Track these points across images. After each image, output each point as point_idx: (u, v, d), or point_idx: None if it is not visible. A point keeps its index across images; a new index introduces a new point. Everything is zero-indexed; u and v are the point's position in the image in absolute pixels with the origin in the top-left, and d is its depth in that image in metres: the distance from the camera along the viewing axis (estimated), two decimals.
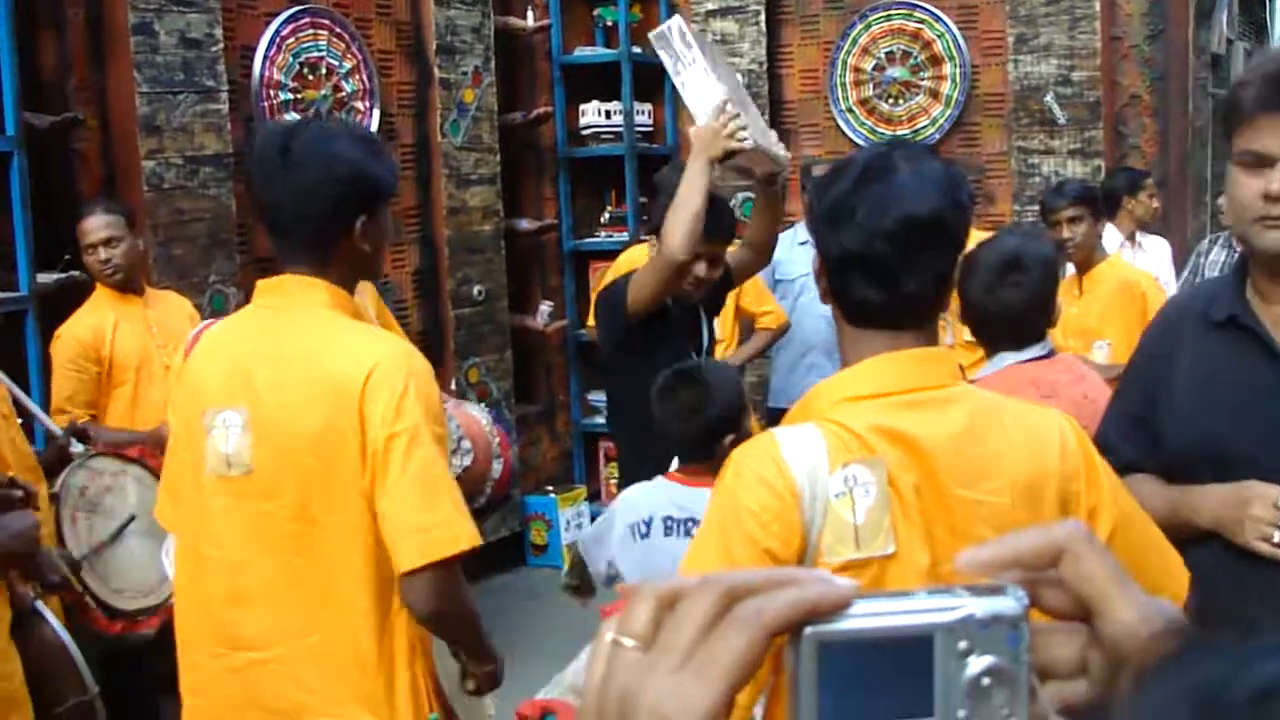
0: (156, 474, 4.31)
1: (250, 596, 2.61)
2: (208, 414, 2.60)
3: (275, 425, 2.54)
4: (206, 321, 2.91)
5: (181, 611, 2.76)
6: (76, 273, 5.33)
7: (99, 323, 4.96)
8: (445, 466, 2.53)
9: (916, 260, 1.98)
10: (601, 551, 3.56)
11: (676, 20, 3.98)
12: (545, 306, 8.00)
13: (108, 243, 5.00)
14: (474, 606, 2.64)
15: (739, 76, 4.17)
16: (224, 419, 2.58)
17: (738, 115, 3.83)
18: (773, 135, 4.20)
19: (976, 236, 6.21)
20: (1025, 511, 1.96)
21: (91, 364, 4.91)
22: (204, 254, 5.93)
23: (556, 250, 8.33)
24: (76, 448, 4.27)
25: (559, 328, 8.04)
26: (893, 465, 1.96)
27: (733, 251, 4.50)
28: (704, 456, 3.43)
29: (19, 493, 3.07)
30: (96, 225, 5.01)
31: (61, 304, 5.24)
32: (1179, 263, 6.53)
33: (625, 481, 3.99)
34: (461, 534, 2.50)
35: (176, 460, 2.73)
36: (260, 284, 2.75)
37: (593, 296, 7.99)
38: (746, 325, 6.58)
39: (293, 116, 6.45)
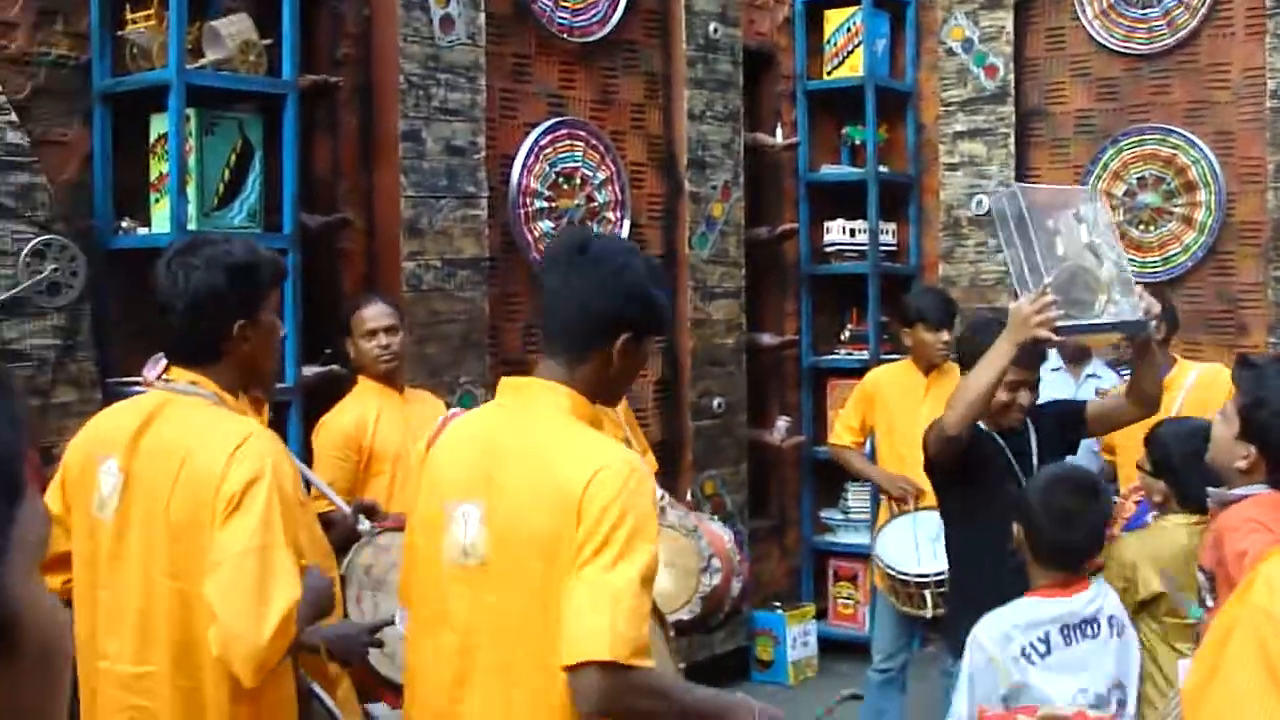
0: None
1: (475, 683, 2.68)
2: (448, 504, 2.71)
3: (508, 522, 2.64)
4: (452, 412, 3.00)
5: (410, 691, 2.85)
6: (336, 366, 5.53)
7: (362, 413, 5.11)
8: (638, 578, 2.51)
9: None
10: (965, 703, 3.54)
11: (1017, 195, 3.97)
12: (782, 422, 8.01)
13: (389, 330, 5.18)
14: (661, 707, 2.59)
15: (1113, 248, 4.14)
16: (464, 511, 2.68)
17: (1054, 303, 3.84)
18: (1132, 298, 4.15)
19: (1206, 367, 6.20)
20: None
21: (353, 453, 5.05)
22: (456, 354, 6.10)
23: (795, 366, 8.35)
24: (363, 525, 4.37)
25: (795, 444, 8.03)
26: None
27: (1117, 403, 4.59)
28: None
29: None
30: (378, 313, 5.19)
31: (321, 396, 5.43)
32: None
33: (967, 614, 3.85)
34: (624, 645, 2.45)
35: (416, 545, 2.83)
36: (504, 382, 2.86)
37: (830, 414, 8.02)
38: None
39: (547, 225, 6.63)
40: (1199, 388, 6.12)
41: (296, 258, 5.41)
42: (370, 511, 4.45)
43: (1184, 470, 4.10)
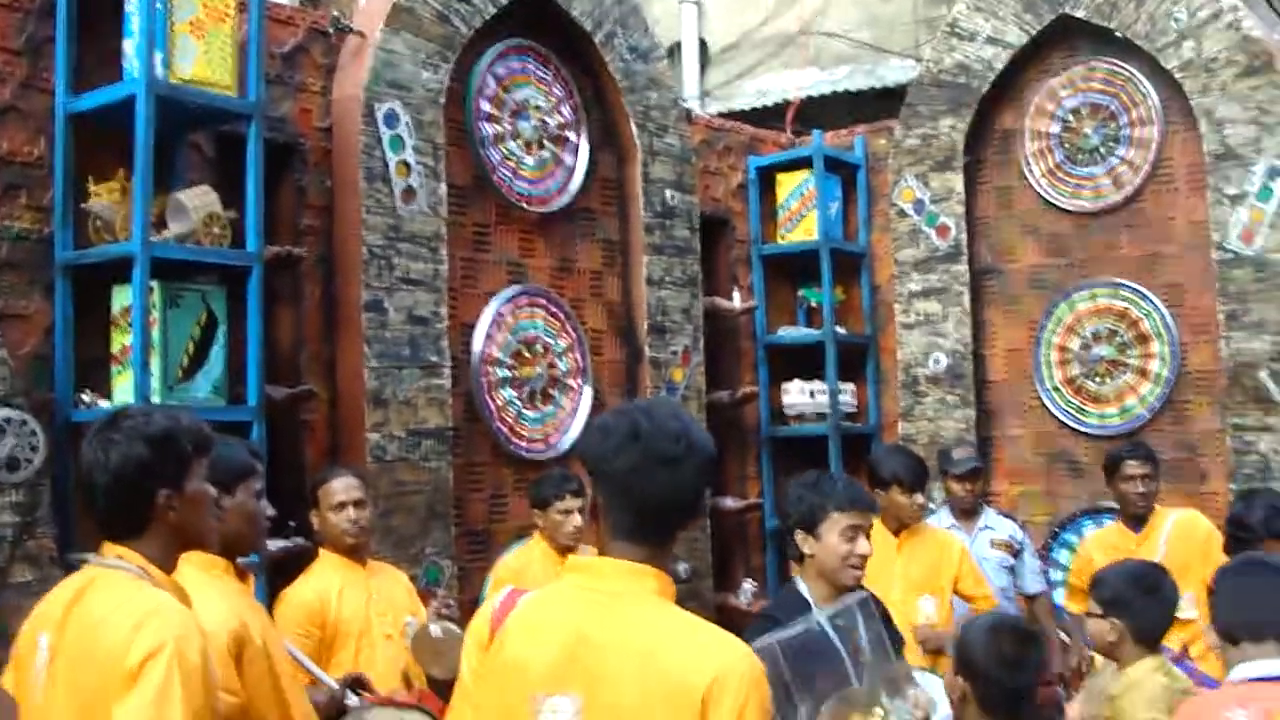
0: (435, 717, 4.29)
1: None
2: (536, 698, 2.57)
3: (611, 717, 2.51)
4: (509, 590, 2.88)
5: None
6: (302, 540, 5.45)
7: (325, 587, 5.00)
8: None
9: None
10: None
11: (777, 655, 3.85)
12: (748, 585, 7.95)
13: (358, 504, 5.11)
14: None
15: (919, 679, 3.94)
16: (553, 705, 2.56)
17: None
18: (902, 700, 4.06)
19: (1182, 513, 6.25)
20: None
21: (316, 628, 4.93)
22: (422, 525, 6.04)
23: (759, 529, 8.31)
24: (350, 699, 4.26)
25: (762, 606, 7.94)
26: None
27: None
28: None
29: None
30: (347, 486, 5.12)
31: (285, 570, 5.34)
32: None
33: None
34: None
35: None
36: (576, 562, 2.77)
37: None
38: None
39: (509, 393, 6.62)
40: (1177, 533, 6.18)
41: (261, 430, 5.36)
42: (358, 684, 4.36)
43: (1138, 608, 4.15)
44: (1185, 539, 6.18)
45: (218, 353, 5.32)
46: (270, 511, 3.81)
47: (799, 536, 4.15)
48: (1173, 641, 5.45)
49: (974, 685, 3.64)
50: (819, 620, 3.78)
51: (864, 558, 4.09)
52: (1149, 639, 4.09)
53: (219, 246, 5.32)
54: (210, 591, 3.46)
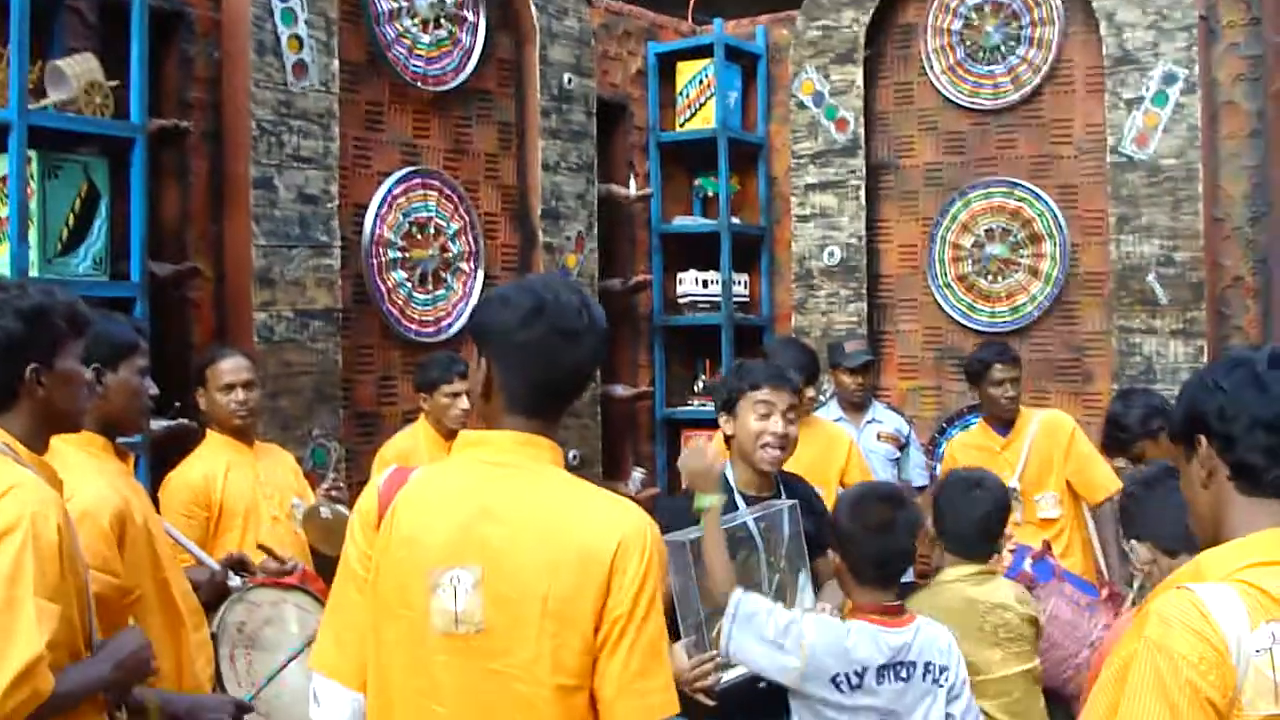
0: (318, 598, 4.25)
1: None
2: (434, 571, 2.56)
3: (512, 587, 2.52)
4: (396, 468, 2.83)
5: None
6: (186, 420, 5.36)
7: (211, 469, 4.95)
8: (666, 637, 2.59)
9: None
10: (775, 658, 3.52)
11: (685, 549, 3.73)
12: (637, 473, 7.97)
13: (247, 385, 5.04)
14: None
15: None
16: (452, 577, 2.55)
17: (716, 668, 3.64)
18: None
19: (1047, 413, 6.32)
20: None
21: (201, 510, 4.88)
22: (309, 407, 5.97)
23: (650, 418, 8.32)
24: (234, 581, 4.21)
25: (650, 494, 7.98)
26: None
27: None
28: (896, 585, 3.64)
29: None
30: (236, 366, 5.05)
31: (170, 450, 5.26)
32: None
33: None
34: (672, 700, 2.56)
35: (392, 615, 2.64)
36: (468, 436, 2.72)
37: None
38: None
39: (400, 275, 6.53)
40: (1042, 433, 6.25)
41: (145, 307, 5.25)
42: (240, 566, 4.31)
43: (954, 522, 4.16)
44: (1049, 438, 6.27)
45: (100, 226, 5.19)
46: (153, 390, 3.73)
47: (722, 419, 4.26)
48: (1035, 540, 5.56)
49: (845, 556, 3.66)
50: (746, 520, 3.87)
51: (779, 436, 4.12)
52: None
53: (101, 117, 5.16)
54: (90, 470, 3.39)
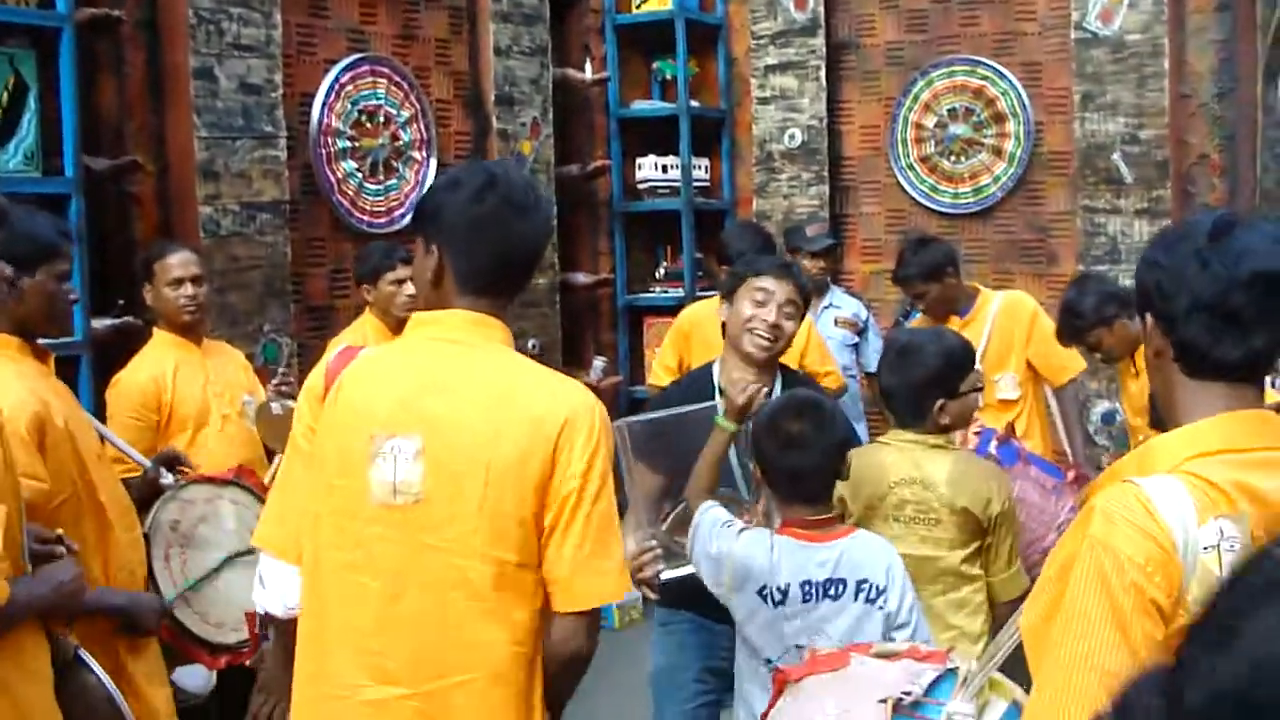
0: (255, 492, 4.18)
1: (403, 629, 2.54)
2: (375, 438, 2.55)
3: (454, 456, 2.52)
4: (345, 346, 2.79)
5: (314, 642, 2.63)
6: (131, 318, 5.25)
7: (159, 370, 4.82)
8: (618, 518, 2.62)
9: (1269, 315, 2.01)
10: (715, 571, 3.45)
11: (623, 432, 3.67)
12: (598, 362, 7.90)
13: (195, 280, 4.89)
14: None
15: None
16: (393, 446, 2.54)
17: (656, 557, 3.61)
18: None
19: (1008, 294, 6.20)
20: None
21: (151, 412, 4.77)
22: (259, 302, 5.85)
23: (610, 305, 8.23)
24: (166, 479, 4.13)
25: (612, 383, 7.92)
26: (1251, 522, 1.99)
27: None
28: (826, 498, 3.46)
29: (62, 549, 3.02)
30: (184, 261, 4.89)
31: (114, 349, 5.15)
32: None
33: None
34: (626, 582, 2.62)
35: (330, 486, 2.62)
36: (420, 317, 2.70)
37: (647, 353, 7.93)
38: None
39: (350, 165, 6.39)
40: (1003, 314, 6.15)
41: (81, 203, 5.11)
42: (173, 463, 4.22)
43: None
44: (1010, 319, 6.16)
45: (30, 120, 5.03)
46: (73, 296, 3.59)
47: (721, 308, 4.10)
48: (998, 422, 5.49)
49: (761, 470, 3.55)
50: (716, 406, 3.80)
51: (770, 325, 3.93)
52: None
53: (25, 6, 4.99)
54: (6, 373, 3.27)
